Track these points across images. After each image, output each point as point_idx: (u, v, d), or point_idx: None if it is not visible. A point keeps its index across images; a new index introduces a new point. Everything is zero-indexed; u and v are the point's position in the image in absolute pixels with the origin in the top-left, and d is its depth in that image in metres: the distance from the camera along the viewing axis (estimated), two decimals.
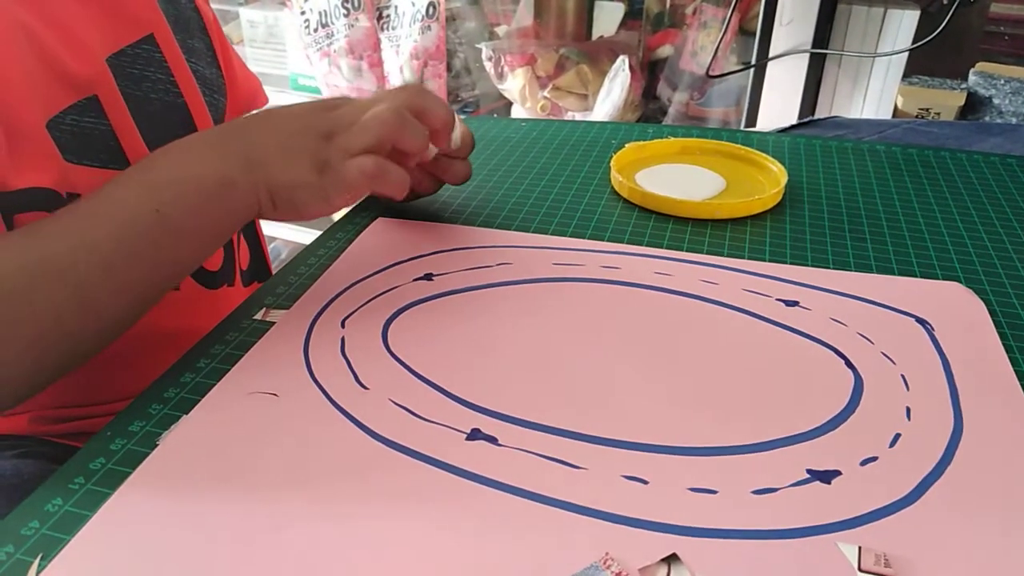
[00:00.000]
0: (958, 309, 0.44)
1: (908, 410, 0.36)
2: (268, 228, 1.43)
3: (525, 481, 0.32)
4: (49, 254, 0.37)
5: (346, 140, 0.42)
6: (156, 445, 0.34)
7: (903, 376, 0.39)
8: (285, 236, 1.54)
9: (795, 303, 0.44)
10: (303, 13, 1.39)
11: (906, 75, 1.07)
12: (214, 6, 0.66)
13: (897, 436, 0.35)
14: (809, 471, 0.33)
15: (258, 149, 0.42)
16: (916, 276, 0.47)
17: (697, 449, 0.34)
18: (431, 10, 1.31)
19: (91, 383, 0.50)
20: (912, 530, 0.30)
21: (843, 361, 0.40)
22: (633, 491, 0.32)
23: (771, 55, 1.10)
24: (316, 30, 1.41)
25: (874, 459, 0.33)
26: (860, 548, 0.29)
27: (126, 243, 0.39)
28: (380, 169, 0.42)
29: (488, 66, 1.35)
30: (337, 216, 0.57)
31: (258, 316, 0.43)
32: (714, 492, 0.32)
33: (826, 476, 0.32)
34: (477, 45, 1.37)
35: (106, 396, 0.51)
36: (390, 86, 1.42)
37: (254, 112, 0.46)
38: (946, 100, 1.01)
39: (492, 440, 0.34)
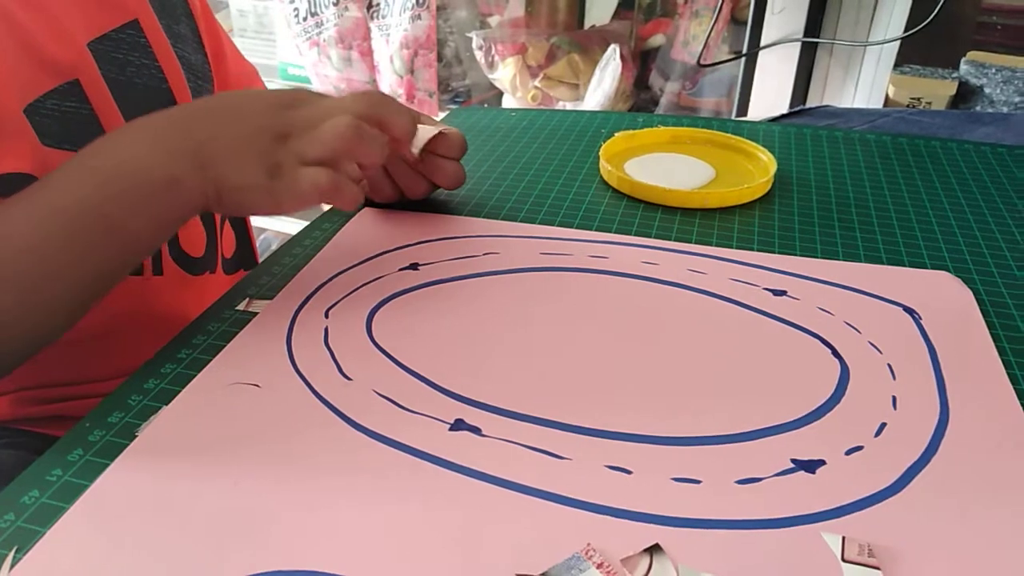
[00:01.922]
0: (946, 298, 0.44)
1: (894, 399, 0.36)
2: (258, 219, 1.42)
3: (508, 471, 0.32)
4: None
5: (301, 146, 0.41)
6: (135, 436, 0.33)
7: (889, 365, 0.38)
8: (276, 227, 1.53)
9: (783, 292, 0.44)
10: (292, 2, 1.38)
11: (897, 64, 1.06)
12: None
13: (883, 426, 0.35)
14: (794, 461, 0.32)
15: (208, 146, 0.40)
16: (904, 265, 0.47)
17: (681, 439, 0.34)
18: None
19: (72, 364, 0.50)
20: (896, 520, 0.30)
21: (829, 350, 0.39)
22: (616, 481, 0.31)
23: (763, 44, 1.09)
24: (305, 19, 1.39)
25: (859, 448, 0.33)
26: (844, 538, 0.29)
27: (69, 243, 0.38)
28: (333, 185, 0.41)
29: (479, 55, 1.34)
30: (325, 206, 0.57)
31: (241, 306, 0.43)
32: (698, 482, 0.31)
33: (811, 466, 0.32)
34: (468, 34, 1.36)
35: (88, 376, 0.51)
36: (380, 76, 1.41)
37: (210, 98, 0.45)
38: (937, 89, 1.01)
39: (476, 431, 0.34)
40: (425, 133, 0.48)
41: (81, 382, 0.51)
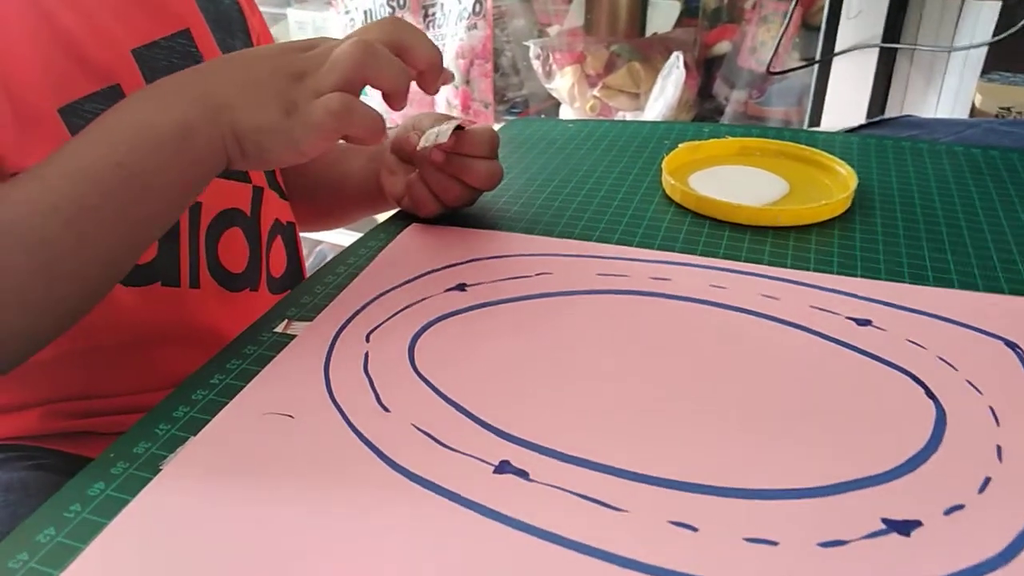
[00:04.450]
0: None
1: (999, 449, 0.32)
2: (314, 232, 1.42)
3: (557, 524, 0.29)
4: (6, 220, 0.36)
5: (315, 80, 0.39)
6: (159, 470, 0.31)
7: (992, 408, 0.34)
8: (332, 240, 1.53)
9: (867, 322, 0.40)
10: (347, 12, 1.38)
11: (985, 71, 1.00)
12: (263, 9, 0.65)
13: (987, 480, 0.30)
14: (885, 520, 0.29)
15: (222, 92, 0.39)
16: (1004, 292, 0.43)
17: (755, 492, 0.30)
18: (478, 7, 1.28)
19: (102, 374, 0.49)
20: None
21: (922, 390, 0.35)
22: (681, 539, 0.28)
23: (837, 50, 1.04)
24: None
25: (960, 507, 0.29)
26: None
27: (88, 201, 0.37)
28: (346, 107, 0.38)
29: (536, 64, 1.32)
30: (381, 218, 0.55)
31: (279, 328, 0.41)
32: (774, 544, 0.28)
33: (904, 527, 0.28)
34: (525, 43, 1.34)
35: (117, 389, 0.50)
36: None
37: (227, 54, 0.44)
38: None
39: (523, 474, 0.31)
40: (447, 127, 0.45)
41: (111, 395, 0.50)
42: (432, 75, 0.42)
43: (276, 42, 0.66)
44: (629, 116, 1.30)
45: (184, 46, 0.50)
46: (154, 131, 0.38)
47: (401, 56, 0.40)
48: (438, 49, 0.42)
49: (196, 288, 0.51)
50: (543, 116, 1.43)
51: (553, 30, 1.38)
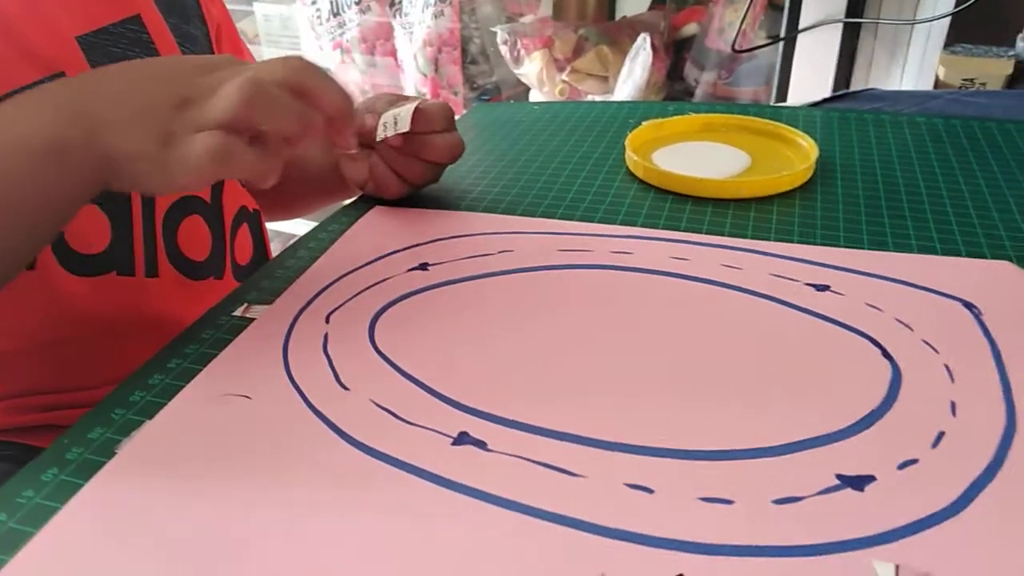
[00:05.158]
0: (1009, 291, 0.39)
1: (953, 405, 0.32)
2: (289, 224, 1.41)
3: (515, 491, 0.29)
4: None
5: (200, 112, 0.35)
6: (115, 454, 0.31)
7: (947, 367, 0.34)
8: (303, 232, 1.52)
9: (826, 288, 0.40)
10: (314, 3, 1.37)
11: (948, 43, 1.01)
12: (230, 7, 0.63)
13: (940, 435, 0.31)
14: (839, 476, 0.29)
15: (100, 111, 0.36)
16: (961, 255, 0.43)
17: (710, 453, 0.30)
18: None
19: (62, 368, 0.48)
20: (958, 543, 0.26)
21: (879, 350, 0.35)
22: (636, 501, 0.28)
23: (801, 27, 1.04)
24: (328, 20, 1.39)
25: (914, 462, 0.29)
26: (897, 566, 0.25)
27: None
28: (226, 149, 0.35)
29: (503, 50, 1.31)
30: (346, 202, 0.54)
31: (238, 312, 0.40)
32: (729, 502, 0.28)
33: (858, 482, 0.29)
34: (492, 29, 1.33)
35: (78, 383, 0.49)
36: (404, 75, 1.39)
37: (129, 62, 0.41)
38: (992, 69, 0.95)
39: (481, 445, 0.31)
40: (406, 113, 0.45)
41: (72, 389, 0.49)
42: (342, 122, 0.39)
43: (240, 36, 0.64)
44: (598, 99, 1.30)
45: (135, 32, 0.48)
46: (23, 144, 0.35)
47: (305, 100, 0.37)
48: (349, 96, 0.39)
49: (154, 277, 0.50)
50: (512, 102, 1.43)
51: (527, 19, 1.37)
